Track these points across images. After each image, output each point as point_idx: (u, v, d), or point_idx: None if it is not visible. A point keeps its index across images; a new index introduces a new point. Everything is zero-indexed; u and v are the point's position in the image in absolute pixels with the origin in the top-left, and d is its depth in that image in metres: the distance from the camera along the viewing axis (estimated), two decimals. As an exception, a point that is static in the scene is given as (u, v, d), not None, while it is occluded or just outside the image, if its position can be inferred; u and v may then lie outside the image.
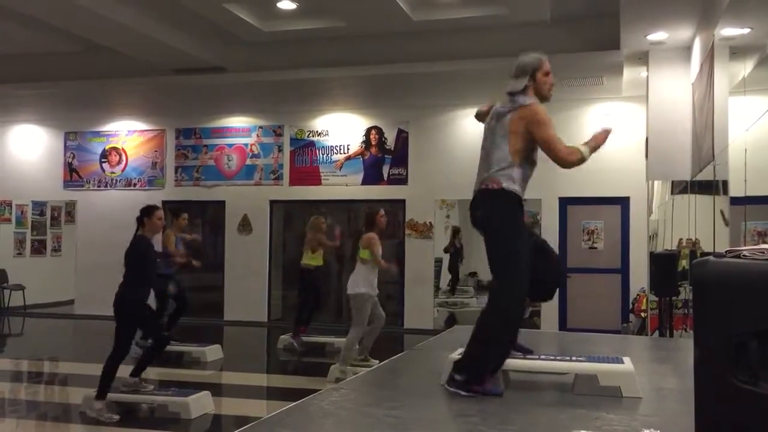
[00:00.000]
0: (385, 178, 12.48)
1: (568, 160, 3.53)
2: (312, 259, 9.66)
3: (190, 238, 9.72)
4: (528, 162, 3.64)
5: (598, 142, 3.70)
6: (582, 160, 3.57)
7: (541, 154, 3.64)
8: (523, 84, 3.63)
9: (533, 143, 3.59)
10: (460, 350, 3.78)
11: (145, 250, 6.36)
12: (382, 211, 7.93)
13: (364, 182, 12.54)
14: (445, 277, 14.65)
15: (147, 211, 6.50)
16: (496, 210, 3.59)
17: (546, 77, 3.67)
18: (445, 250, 13.50)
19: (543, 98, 3.68)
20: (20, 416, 6.88)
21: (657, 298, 8.28)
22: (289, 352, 9.85)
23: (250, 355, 10.72)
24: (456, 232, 14.32)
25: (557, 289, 3.96)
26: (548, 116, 3.56)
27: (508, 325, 3.56)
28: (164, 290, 8.68)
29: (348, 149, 12.67)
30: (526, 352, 3.83)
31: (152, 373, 7.00)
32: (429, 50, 9.92)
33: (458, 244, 14.42)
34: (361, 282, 7.58)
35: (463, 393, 3.45)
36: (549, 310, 11.44)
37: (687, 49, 8.52)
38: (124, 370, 6.44)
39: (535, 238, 3.97)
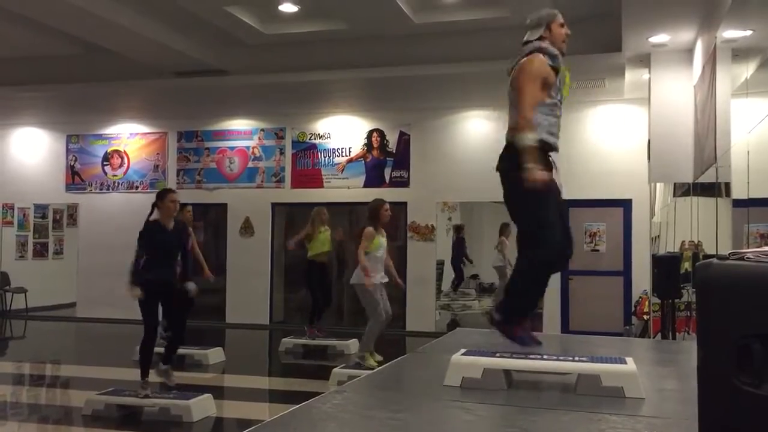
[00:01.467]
0: (387, 181, 12.48)
1: (521, 126, 3.50)
2: (315, 248, 9.59)
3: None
4: (546, 108, 3.61)
5: (530, 175, 3.44)
6: (524, 142, 3.47)
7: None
8: (539, 34, 3.73)
9: (547, 91, 3.59)
10: (463, 351, 3.78)
11: (152, 237, 6.40)
12: (387, 205, 7.73)
13: (366, 185, 12.54)
14: (447, 279, 14.67)
15: (160, 195, 6.55)
16: (516, 162, 3.55)
17: (561, 28, 3.75)
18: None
19: (558, 48, 3.72)
20: (22, 419, 6.88)
21: (659, 301, 8.27)
22: (291, 355, 9.85)
23: (252, 358, 10.72)
24: (459, 227, 14.34)
25: (567, 260, 3.89)
26: (542, 71, 3.58)
27: (546, 274, 3.74)
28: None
29: (350, 152, 12.67)
30: (537, 343, 3.84)
31: (154, 376, 6.98)
32: (430, 53, 9.92)
33: (462, 237, 14.45)
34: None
35: (500, 333, 3.70)
36: (551, 312, 11.44)
37: (689, 51, 8.52)
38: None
39: (561, 203, 3.88)
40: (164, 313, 6.73)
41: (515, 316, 3.73)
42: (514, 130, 3.60)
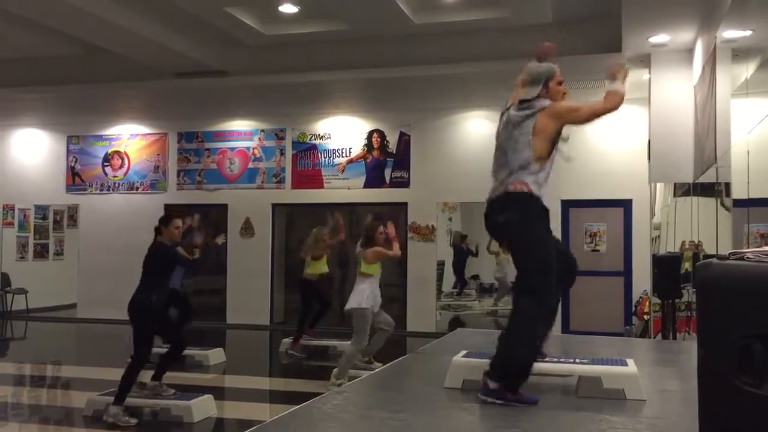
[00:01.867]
0: (387, 181, 12.48)
1: (614, 105, 3.71)
2: (313, 268, 9.53)
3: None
4: (548, 166, 3.63)
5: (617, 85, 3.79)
6: (622, 97, 3.73)
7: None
8: (536, 92, 3.65)
9: (555, 146, 3.61)
10: (464, 352, 3.78)
11: (164, 259, 6.36)
12: (381, 228, 7.50)
13: (366, 185, 12.54)
14: (448, 279, 14.66)
15: (164, 220, 6.51)
16: (526, 213, 3.53)
17: (559, 86, 3.71)
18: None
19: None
20: (23, 420, 6.88)
21: (660, 301, 8.27)
22: (291, 355, 9.84)
23: (253, 359, 10.72)
24: (462, 238, 14.34)
25: (574, 280, 3.89)
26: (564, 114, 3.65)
27: (543, 329, 3.56)
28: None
29: (350, 152, 12.67)
30: (541, 355, 3.80)
31: (146, 375, 6.99)
32: (431, 53, 9.91)
33: (465, 248, 14.44)
34: (364, 297, 7.25)
35: (498, 402, 3.35)
36: (551, 312, 11.43)
37: (689, 52, 8.52)
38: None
39: (556, 242, 3.91)
40: (163, 333, 6.72)
41: (515, 381, 3.42)
42: (512, 185, 3.57)
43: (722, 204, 7.11)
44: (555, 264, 3.51)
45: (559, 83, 3.71)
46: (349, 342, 8.08)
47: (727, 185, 6.86)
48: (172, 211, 6.88)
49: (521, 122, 3.63)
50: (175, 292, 8.11)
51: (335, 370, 7.42)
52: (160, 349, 6.89)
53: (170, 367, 6.73)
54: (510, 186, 3.57)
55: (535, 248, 3.52)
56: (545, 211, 3.61)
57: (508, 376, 3.40)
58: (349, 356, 7.41)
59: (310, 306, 9.75)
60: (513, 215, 3.55)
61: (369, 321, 7.32)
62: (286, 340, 10.05)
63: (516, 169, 3.57)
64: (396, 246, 7.51)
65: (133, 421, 6.11)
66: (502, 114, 3.82)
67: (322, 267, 9.58)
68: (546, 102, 3.63)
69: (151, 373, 6.62)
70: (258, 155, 13.11)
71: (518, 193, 3.54)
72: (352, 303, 7.28)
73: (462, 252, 14.48)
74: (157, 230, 6.46)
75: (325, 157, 12.80)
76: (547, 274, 3.47)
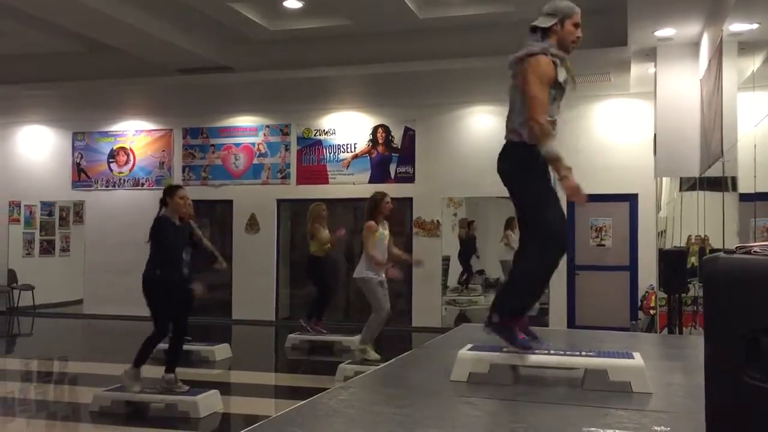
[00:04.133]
0: (392, 177, 12.47)
1: (539, 135, 3.36)
2: (315, 246, 9.67)
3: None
4: (549, 109, 3.51)
5: (568, 183, 3.40)
6: (549, 152, 3.36)
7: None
8: (551, 22, 3.57)
9: (551, 92, 3.50)
10: (469, 345, 3.77)
11: (162, 231, 6.34)
12: (388, 197, 7.74)
13: (372, 181, 12.53)
14: (453, 275, 14.65)
15: (168, 191, 6.53)
16: (519, 163, 3.55)
17: (574, 28, 3.60)
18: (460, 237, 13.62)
19: (564, 49, 3.58)
20: (30, 415, 6.91)
21: (666, 295, 8.25)
22: (297, 351, 9.86)
23: (259, 354, 10.74)
24: (469, 224, 14.33)
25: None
26: (548, 72, 3.46)
27: (549, 270, 3.62)
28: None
29: (355, 148, 12.67)
30: (533, 336, 3.80)
31: (161, 372, 7.01)
32: (436, 48, 9.90)
33: (472, 235, 14.43)
34: (365, 266, 7.55)
35: (494, 334, 3.57)
36: (557, 307, 11.42)
37: (695, 45, 8.48)
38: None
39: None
40: (171, 307, 6.72)
41: (513, 315, 3.62)
42: (514, 133, 3.55)
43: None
44: (558, 209, 3.56)
45: (576, 26, 3.60)
46: (354, 338, 8.15)
47: (734, 179, 6.83)
48: (176, 184, 6.85)
49: (515, 65, 3.58)
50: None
51: (360, 338, 7.72)
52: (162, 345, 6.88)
53: (179, 355, 6.70)
54: (508, 136, 3.60)
55: (531, 195, 3.56)
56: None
57: (506, 309, 3.60)
58: (371, 323, 7.63)
59: (319, 286, 9.85)
60: (508, 165, 3.60)
61: (376, 288, 7.53)
62: (292, 336, 10.07)
63: (515, 118, 3.57)
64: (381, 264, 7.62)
65: (137, 388, 6.30)
66: None
67: (320, 243, 9.67)
68: (539, 46, 3.52)
69: (159, 368, 6.66)
70: (263, 151, 13.12)
71: (513, 142, 3.57)
72: (356, 273, 7.65)
73: (469, 240, 14.47)
74: (163, 202, 6.47)
75: (330, 153, 12.80)
76: (547, 219, 3.52)
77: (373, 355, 7.56)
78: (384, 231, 7.70)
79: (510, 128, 3.61)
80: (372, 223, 7.61)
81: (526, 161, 3.53)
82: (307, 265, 10.01)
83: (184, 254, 6.61)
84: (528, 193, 3.58)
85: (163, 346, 6.69)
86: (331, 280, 10.17)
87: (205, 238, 7.97)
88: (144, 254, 6.41)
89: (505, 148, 3.64)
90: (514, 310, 3.63)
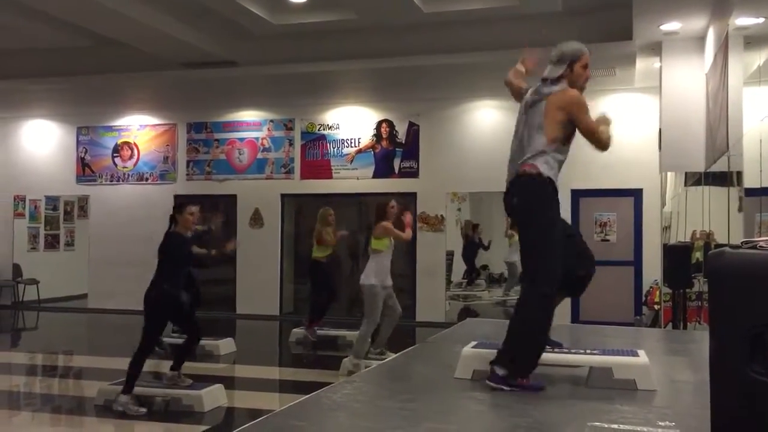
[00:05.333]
0: (396, 172, 12.46)
1: (608, 145, 3.62)
2: (319, 251, 9.64)
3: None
4: (564, 149, 3.61)
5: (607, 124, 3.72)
6: (609, 139, 3.65)
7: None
8: (560, 72, 3.61)
9: (571, 130, 3.57)
10: (474, 343, 3.77)
11: (175, 248, 6.35)
12: (393, 202, 7.79)
13: (375, 175, 12.53)
14: (457, 270, 14.65)
15: (178, 208, 6.52)
16: (533, 197, 3.53)
17: (583, 70, 3.65)
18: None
19: (578, 89, 3.64)
20: (35, 409, 6.93)
21: (670, 291, 8.24)
22: (301, 345, 9.87)
23: (263, 349, 10.75)
24: (474, 227, 14.32)
25: (590, 280, 3.83)
26: (584, 100, 3.58)
27: (547, 314, 3.53)
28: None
29: (359, 142, 12.65)
30: (555, 345, 3.77)
31: (165, 366, 7.03)
32: (440, 43, 9.87)
33: (477, 239, 14.42)
34: (372, 273, 7.47)
35: (505, 388, 3.37)
36: (561, 302, 11.38)
37: (701, 39, 8.45)
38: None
39: (566, 226, 3.87)
40: (177, 322, 6.75)
41: (522, 370, 3.42)
42: (529, 165, 3.54)
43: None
44: (560, 251, 3.48)
45: (585, 67, 3.65)
46: (356, 331, 8.10)
47: (739, 174, 6.81)
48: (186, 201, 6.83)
49: (533, 105, 3.62)
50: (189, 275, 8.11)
51: (348, 357, 7.57)
52: (176, 339, 6.91)
53: (189, 356, 6.76)
54: (521, 169, 3.57)
55: (537, 234, 3.51)
56: (557, 195, 3.58)
57: (515, 364, 3.42)
58: (360, 336, 7.57)
59: (320, 291, 9.84)
60: (521, 198, 3.57)
61: (377, 297, 7.45)
62: (296, 330, 10.08)
63: (530, 152, 3.56)
64: (408, 231, 7.70)
65: (143, 410, 6.15)
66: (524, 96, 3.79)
67: (326, 249, 9.66)
68: (556, 87, 3.59)
69: (167, 363, 6.67)
70: (267, 146, 13.11)
71: (527, 175, 3.54)
72: (362, 279, 7.53)
73: (473, 242, 14.47)
74: (172, 219, 6.48)
75: (334, 148, 12.79)
76: (547, 261, 3.46)
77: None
78: (390, 241, 7.64)
79: (521, 162, 3.58)
80: (387, 222, 7.53)
81: (541, 195, 3.52)
82: (309, 270, 9.98)
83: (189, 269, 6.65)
84: (537, 231, 3.52)
85: (171, 341, 6.71)
86: (333, 285, 10.13)
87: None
88: (149, 247, 6.43)
89: (516, 182, 3.60)
90: (521, 367, 3.44)
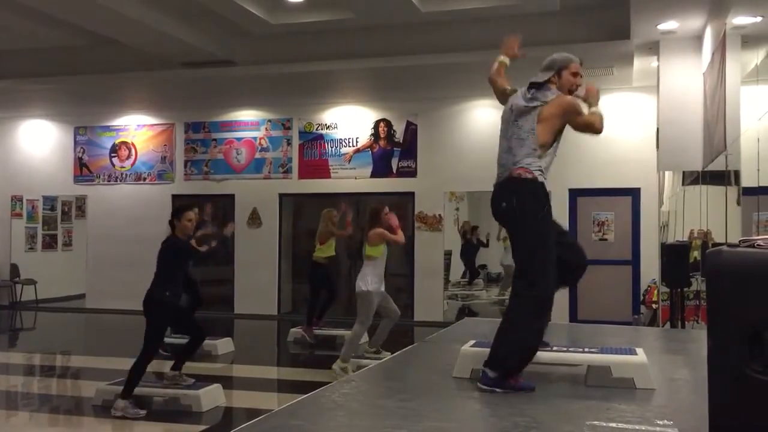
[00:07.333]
0: (394, 171, 12.46)
1: (601, 128, 3.67)
2: (321, 252, 9.64)
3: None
4: (553, 154, 3.66)
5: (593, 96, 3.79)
6: (602, 118, 3.70)
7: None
8: (547, 77, 3.68)
9: (559, 135, 3.64)
10: (472, 342, 3.77)
11: (176, 254, 6.34)
12: (387, 209, 7.69)
13: (373, 175, 12.53)
14: (455, 269, 14.66)
15: (176, 213, 6.50)
16: (529, 199, 3.54)
17: (573, 77, 3.71)
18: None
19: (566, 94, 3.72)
20: (33, 409, 6.93)
21: (668, 290, 8.25)
22: (299, 345, 9.87)
23: (261, 348, 10.75)
24: (473, 229, 14.33)
25: (584, 272, 3.86)
26: (576, 103, 3.67)
27: (541, 318, 3.53)
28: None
29: (357, 142, 12.65)
30: (544, 345, 3.79)
31: (165, 365, 7.02)
32: (438, 42, 9.87)
33: (475, 240, 14.43)
34: (369, 280, 7.40)
35: (498, 390, 3.39)
36: (559, 301, 11.37)
37: (698, 39, 8.45)
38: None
39: (557, 226, 3.88)
40: (179, 326, 6.75)
41: (512, 371, 3.45)
42: (519, 168, 3.57)
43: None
44: (554, 254, 3.50)
45: (574, 74, 3.71)
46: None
47: (737, 173, 6.82)
48: (183, 205, 6.78)
49: (528, 112, 3.64)
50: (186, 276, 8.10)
51: (341, 353, 7.53)
52: (179, 340, 6.90)
53: (191, 357, 6.75)
54: (514, 172, 3.58)
55: (531, 237, 3.52)
56: (549, 199, 3.61)
57: (505, 365, 3.44)
58: (351, 339, 7.52)
59: (319, 293, 9.82)
60: (513, 202, 3.57)
61: (372, 303, 7.42)
62: (294, 330, 10.08)
63: (520, 156, 3.58)
64: (399, 232, 7.60)
65: (142, 412, 6.13)
66: (508, 99, 3.82)
67: (328, 251, 9.66)
68: (551, 95, 3.62)
69: (169, 363, 6.67)
70: (265, 145, 13.11)
71: (522, 179, 3.55)
72: (358, 285, 7.46)
73: (471, 243, 14.48)
74: (171, 224, 6.47)
75: (331, 147, 12.78)
76: (542, 263, 3.47)
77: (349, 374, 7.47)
78: (384, 246, 7.58)
79: (511, 163, 3.60)
80: (381, 229, 7.46)
81: (537, 198, 3.54)
82: (309, 271, 9.97)
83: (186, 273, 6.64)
84: (533, 233, 3.52)
85: (173, 341, 6.70)
86: (333, 285, 10.12)
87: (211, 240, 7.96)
88: (147, 247, 6.43)
89: (507, 183, 3.61)
90: (512, 369, 3.46)
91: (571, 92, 3.71)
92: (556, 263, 3.50)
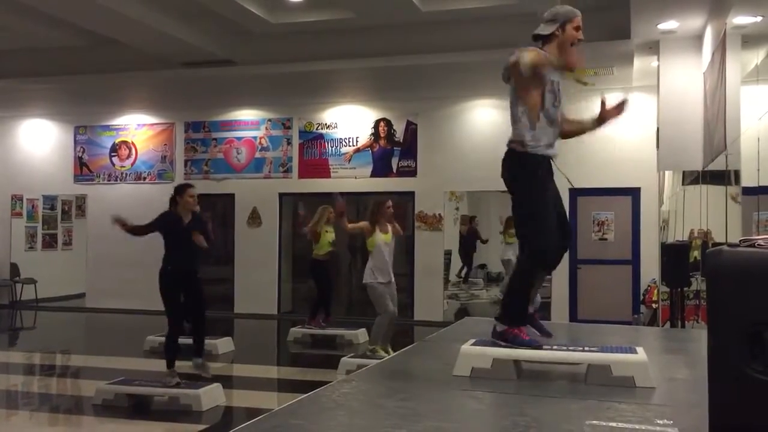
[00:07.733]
0: (394, 171, 12.46)
1: (526, 67, 3.48)
2: (318, 249, 9.69)
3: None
4: (546, 116, 3.57)
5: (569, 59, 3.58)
6: (542, 64, 3.49)
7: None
8: (551, 30, 3.60)
9: (543, 98, 3.56)
10: (472, 341, 3.77)
11: (166, 225, 6.53)
12: (389, 202, 7.91)
13: (373, 174, 12.53)
14: (455, 269, 14.66)
15: (178, 190, 6.66)
16: (517, 172, 3.62)
17: (575, 31, 3.61)
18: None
19: (566, 52, 3.58)
20: (33, 409, 6.93)
21: (668, 289, 8.25)
22: (299, 345, 9.87)
23: (261, 348, 10.76)
24: (471, 219, 14.34)
25: (564, 253, 3.95)
26: (538, 55, 3.50)
27: (533, 276, 3.74)
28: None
29: (357, 141, 12.65)
30: (547, 335, 3.88)
31: (163, 365, 7.02)
32: (438, 41, 9.87)
33: (474, 230, 14.45)
34: (370, 272, 7.64)
35: (501, 343, 3.59)
36: (559, 301, 11.42)
37: (698, 38, 8.45)
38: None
39: (558, 201, 3.89)
40: (186, 304, 6.78)
41: (514, 324, 3.65)
42: (514, 142, 3.61)
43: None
44: (551, 221, 3.60)
45: (577, 29, 3.62)
46: (356, 331, 8.08)
47: (737, 173, 6.82)
48: (183, 183, 6.94)
49: (508, 75, 3.65)
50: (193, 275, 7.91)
51: (370, 338, 7.94)
52: (186, 340, 6.88)
53: (204, 335, 6.94)
54: (509, 143, 3.65)
55: (526, 206, 3.64)
56: (545, 160, 3.62)
57: (508, 315, 3.66)
58: (378, 325, 7.77)
59: (322, 290, 9.91)
60: (507, 173, 3.67)
61: (378, 293, 7.65)
62: (294, 329, 10.09)
63: (514, 123, 3.62)
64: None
65: (174, 381, 6.41)
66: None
67: (325, 247, 9.74)
68: (515, 56, 3.56)
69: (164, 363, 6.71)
70: (265, 145, 13.11)
71: (510, 150, 3.63)
72: (365, 278, 7.75)
73: (470, 235, 14.49)
74: (172, 201, 6.52)
75: (332, 147, 12.78)
76: (537, 227, 3.59)
77: (383, 355, 7.56)
78: (386, 236, 7.72)
79: (511, 137, 3.65)
80: (365, 223, 7.80)
81: (524, 170, 3.60)
82: (310, 268, 10.02)
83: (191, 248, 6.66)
84: (525, 205, 3.66)
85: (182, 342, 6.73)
86: (332, 282, 10.19)
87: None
88: (147, 247, 6.47)
89: (505, 155, 3.68)
90: (514, 319, 3.67)
91: (572, 45, 3.62)
92: (554, 230, 3.62)
